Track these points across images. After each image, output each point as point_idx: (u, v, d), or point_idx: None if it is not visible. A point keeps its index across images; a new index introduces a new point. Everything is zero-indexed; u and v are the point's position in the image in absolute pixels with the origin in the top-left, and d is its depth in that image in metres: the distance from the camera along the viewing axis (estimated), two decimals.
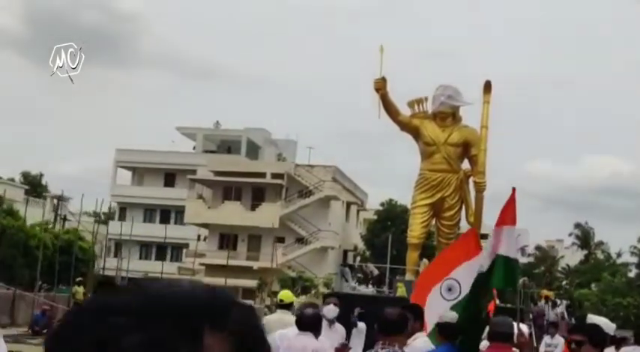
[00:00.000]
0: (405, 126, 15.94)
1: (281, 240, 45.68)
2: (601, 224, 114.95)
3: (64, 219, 34.50)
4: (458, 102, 15.77)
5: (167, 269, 47.77)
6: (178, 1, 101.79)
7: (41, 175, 64.35)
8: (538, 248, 64.95)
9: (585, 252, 61.36)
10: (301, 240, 46.19)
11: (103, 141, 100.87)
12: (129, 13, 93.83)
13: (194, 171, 50.40)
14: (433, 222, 15.96)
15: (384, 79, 15.16)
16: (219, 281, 39.60)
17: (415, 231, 15.43)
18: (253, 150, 54.82)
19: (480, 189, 15.06)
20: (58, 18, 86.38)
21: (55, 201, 49.85)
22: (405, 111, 16.22)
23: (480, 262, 5.66)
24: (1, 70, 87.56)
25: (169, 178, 56.18)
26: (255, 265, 41.62)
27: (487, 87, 15.54)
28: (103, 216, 61.78)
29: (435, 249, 16.38)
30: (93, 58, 78.08)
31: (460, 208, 15.62)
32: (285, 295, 8.07)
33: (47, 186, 62.44)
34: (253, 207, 47.05)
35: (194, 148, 57.46)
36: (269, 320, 8.23)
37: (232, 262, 44.28)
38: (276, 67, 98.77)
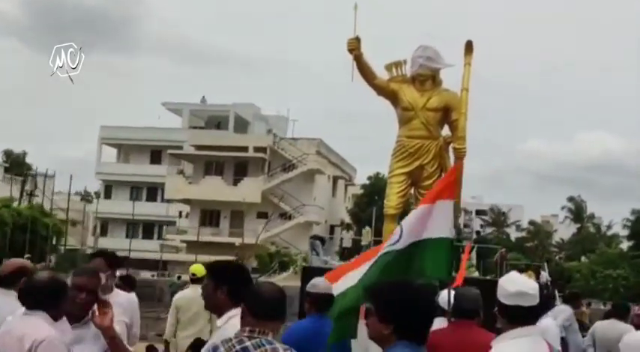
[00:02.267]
0: (382, 90, 14.83)
1: (264, 215, 44.82)
2: (593, 199, 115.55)
3: (31, 194, 33.60)
4: (438, 65, 14.60)
5: (152, 247, 47.06)
6: None
7: (24, 154, 63.41)
8: (532, 223, 64.99)
9: (578, 225, 61.25)
10: (285, 215, 45.30)
11: (95, 122, 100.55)
12: None
13: (181, 148, 49.40)
14: (412, 191, 15.06)
15: (357, 39, 13.99)
16: (200, 258, 38.81)
17: (392, 201, 14.37)
18: (242, 126, 53.60)
19: (459, 155, 13.94)
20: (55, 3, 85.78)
21: (42, 178, 48.91)
22: (383, 76, 15.26)
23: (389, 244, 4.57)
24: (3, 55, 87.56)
25: (155, 155, 55.20)
26: (238, 241, 40.78)
27: (468, 47, 14.40)
28: (94, 195, 60.94)
29: None
30: (89, 42, 77.47)
31: (439, 176, 14.59)
32: (197, 268, 7.50)
33: (32, 165, 61.40)
34: (235, 182, 46.04)
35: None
36: (183, 295, 7.53)
37: (214, 238, 43.48)
38: (268, 47, 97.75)
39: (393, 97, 15.38)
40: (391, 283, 2.94)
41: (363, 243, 14.85)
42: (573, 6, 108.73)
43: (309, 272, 14.49)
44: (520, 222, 66.90)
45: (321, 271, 13.93)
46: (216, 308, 3.62)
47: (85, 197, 63.30)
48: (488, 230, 61.42)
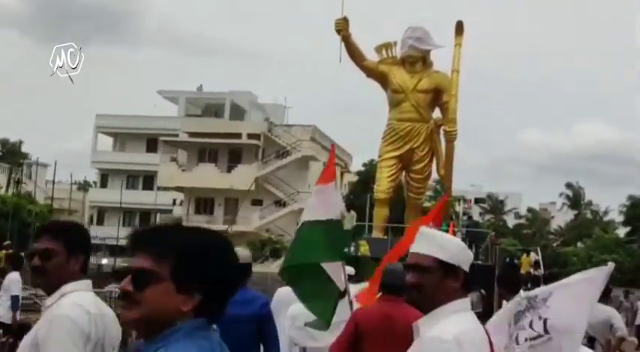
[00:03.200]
0: (371, 72, 14.72)
1: (258, 202, 44.58)
2: (592, 186, 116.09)
3: (18, 182, 33.54)
4: (427, 46, 14.52)
5: None
6: None
7: (20, 143, 63.08)
8: (530, 210, 64.98)
9: (575, 212, 61.21)
10: (279, 203, 45.05)
11: (94, 113, 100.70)
12: None
13: (177, 136, 49.05)
14: (403, 175, 14.85)
15: (345, 20, 13.90)
16: None
17: (382, 186, 14.31)
18: (239, 114, 53.09)
19: (450, 138, 13.89)
20: None
21: (35, 167, 48.69)
22: (374, 58, 14.99)
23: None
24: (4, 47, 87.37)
25: (152, 143, 54.80)
26: (232, 229, 40.54)
27: (459, 28, 14.31)
28: (92, 184, 60.73)
29: (405, 204, 15.33)
30: (88, 34, 77.14)
31: (431, 160, 14.49)
32: None
33: (29, 154, 61.12)
34: (229, 169, 45.72)
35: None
36: None
37: (208, 226, 42.96)
38: (267, 37, 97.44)
39: (382, 79, 15.17)
40: (191, 233, 1.78)
41: (347, 227, 14.67)
42: None
43: None
44: (518, 209, 66.88)
45: None
46: (61, 281, 2.67)
47: (83, 186, 63.07)
48: (487, 217, 61.34)
